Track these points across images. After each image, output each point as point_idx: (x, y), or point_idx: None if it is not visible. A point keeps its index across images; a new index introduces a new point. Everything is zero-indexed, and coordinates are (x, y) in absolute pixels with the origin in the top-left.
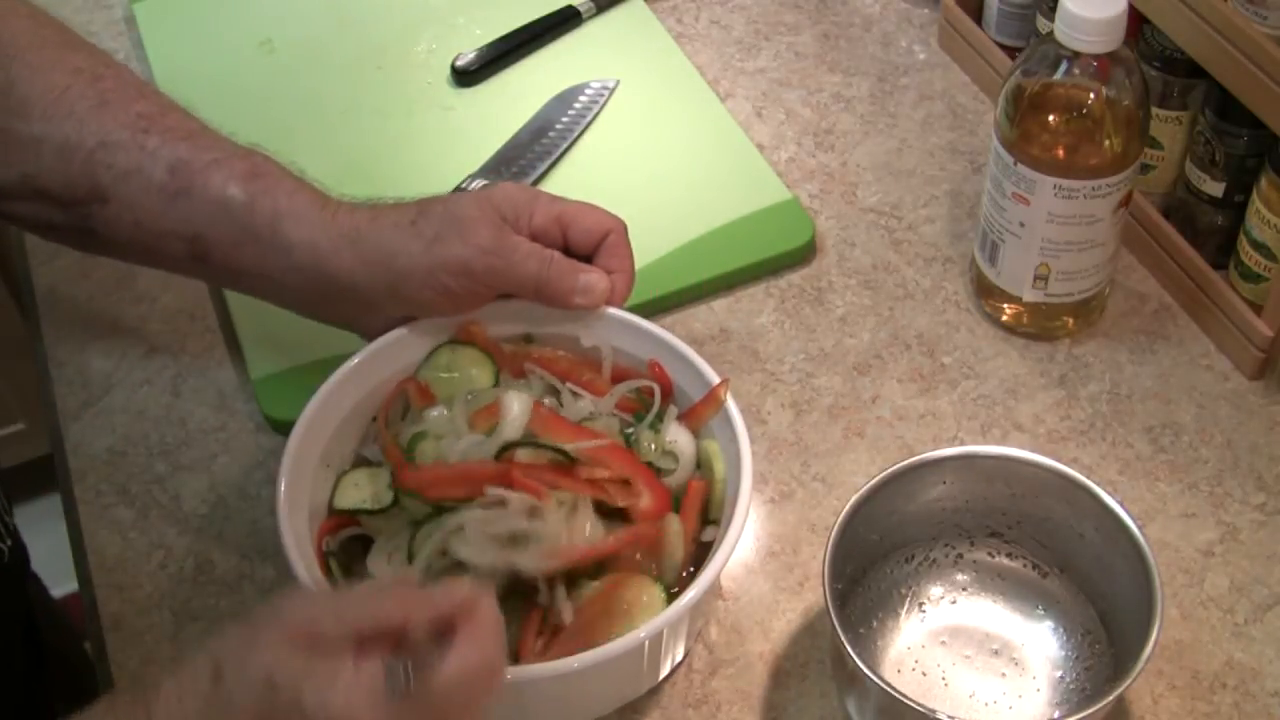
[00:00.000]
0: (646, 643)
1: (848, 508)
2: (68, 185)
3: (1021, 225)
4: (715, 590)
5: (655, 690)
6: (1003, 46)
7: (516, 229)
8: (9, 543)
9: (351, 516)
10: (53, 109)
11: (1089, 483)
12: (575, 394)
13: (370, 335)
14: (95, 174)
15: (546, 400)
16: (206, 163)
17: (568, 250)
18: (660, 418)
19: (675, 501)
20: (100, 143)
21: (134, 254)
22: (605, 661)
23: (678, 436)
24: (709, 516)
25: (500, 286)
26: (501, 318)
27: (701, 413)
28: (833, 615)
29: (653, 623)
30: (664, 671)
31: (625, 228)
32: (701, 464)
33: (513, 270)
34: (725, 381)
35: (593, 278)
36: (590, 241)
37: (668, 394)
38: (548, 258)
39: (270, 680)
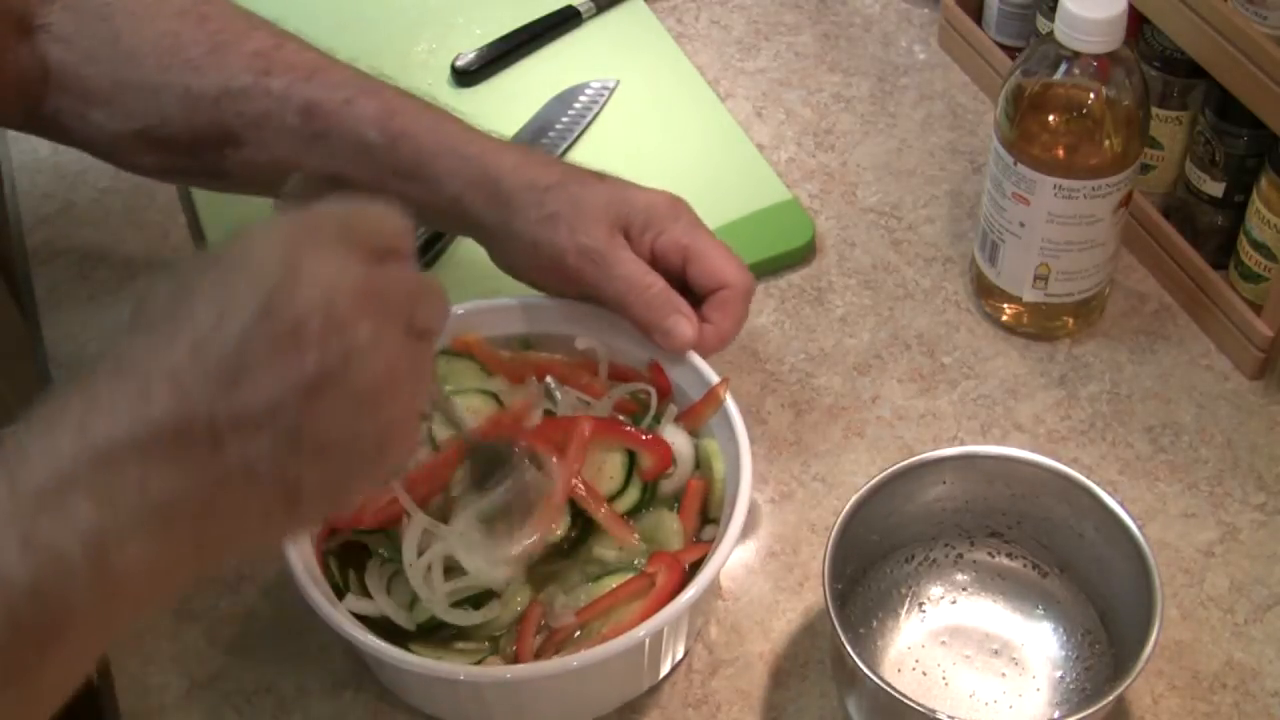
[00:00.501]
0: (646, 642)
1: (848, 508)
2: (194, 133)
3: (1021, 225)
4: (715, 590)
5: (655, 690)
6: (1003, 46)
7: (634, 241)
8: None
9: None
10: (166, 58)
11: (1089, 483)
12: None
13: (498, 266)
14: (224, 121)
15: (545, 405)
16: (339, 103)
17: (684, 285)
18: (657, 420)
19: (675, 501)
20: (224, 90)
21: (271, 191)
22: (605, 661)
23: (675, 438)
24: (709, 516)
25: (586, 290)
26: (498, 318)
27: (701, 412)
28: (833, 615)
29: (653, 622)
30: (664, 671)
31: (749, 289)
32: (701, 463)
33: (603, 282)
34: (725, 381)
35: (682, 323)
36: (706, 286)
37: (665, 396)
38: (643, 285)
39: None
